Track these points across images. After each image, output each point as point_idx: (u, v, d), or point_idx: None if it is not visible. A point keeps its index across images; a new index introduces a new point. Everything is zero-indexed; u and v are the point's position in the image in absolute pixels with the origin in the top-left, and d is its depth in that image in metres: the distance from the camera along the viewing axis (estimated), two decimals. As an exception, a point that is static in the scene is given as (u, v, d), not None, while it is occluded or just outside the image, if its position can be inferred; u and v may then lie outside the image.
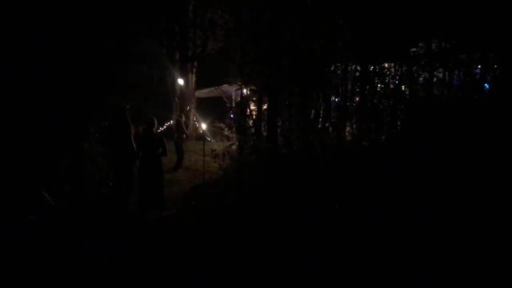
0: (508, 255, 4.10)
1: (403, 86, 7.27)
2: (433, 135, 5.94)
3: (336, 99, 8.10)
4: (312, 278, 4.46)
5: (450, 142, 5.69)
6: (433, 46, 6.76)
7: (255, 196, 6.86)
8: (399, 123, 7.07)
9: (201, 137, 12.20)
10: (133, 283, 4.69)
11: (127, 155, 6.85)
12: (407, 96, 7.10)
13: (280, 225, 5.54)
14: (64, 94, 7.00)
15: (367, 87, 7.34)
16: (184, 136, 11.82)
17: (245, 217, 6.28)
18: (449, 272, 4.13)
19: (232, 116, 11.18)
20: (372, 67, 7.26)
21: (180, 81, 16.83)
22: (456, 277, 4.06)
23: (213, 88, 16.71)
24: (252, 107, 9.32)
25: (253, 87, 8.76)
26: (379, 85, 7.34)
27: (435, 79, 6.81)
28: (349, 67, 7.63)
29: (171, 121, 16.22)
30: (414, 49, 7.00)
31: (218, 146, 9.39)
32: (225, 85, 12.59)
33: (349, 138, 7.66)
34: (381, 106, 7.21)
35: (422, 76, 6.89)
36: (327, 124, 7.85)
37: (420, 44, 6.92)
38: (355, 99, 7.85)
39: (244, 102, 8.79)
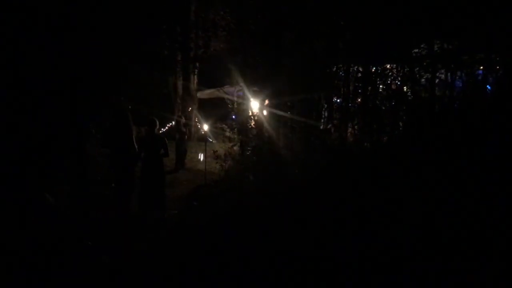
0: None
1: (405, 87, 7.25)
2: (435, 136, 5.93)
3: (338, 100, 8.09)
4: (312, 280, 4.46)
5: (452, 143, 5.68)
6: (435, 47, 6.74)
7: (256, 197, 6.85)
8: (401, 124, 7.05)
9: (203, 138, 12.21)
10: (135, 284, 4.69)
11: (128, 156, 6.86)
12: (409, 97, 7.08)
13: (282, 226, 5.54)
14: (65, 95, 7.02)
15: (369, 88, 7.33)
16: (185, 137, 11.84)
17: (247, 218, 6.27)
18: (444, 273, 4.12)
19: (234, 117, 11.18)
20: (374, 68, 7.24)
21: (182, 82, 16.86)
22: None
23: (215, 89, 16.74)
24: (254, 108, 9.31)
25: (255, 88, 8.76)
26: (381, 86, 7.32)
27: (437, 80, 6.79)
28: (351, 68, 7.62)
29: (173, 122, 16.24)
30: (416, 50, 6.99)
31: (220, 147, 9.40)
32: (226, 86, 12.60)
33: (351, 139, 7.64)
34: (383, 107, 7.20)
35: (424, 77, 6.87)
36: (329, 126, 7.84)
37: (422, 45, 6.91)
38: (357, 100, 7.84)
39: (245, 103, 8.79)
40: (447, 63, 6.47)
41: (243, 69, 8.32)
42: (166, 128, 16.57)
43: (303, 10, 7.44)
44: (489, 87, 6.50)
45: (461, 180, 5.08)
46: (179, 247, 5.77)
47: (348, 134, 7.62)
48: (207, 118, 13.93)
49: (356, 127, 7.55)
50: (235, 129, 8.85)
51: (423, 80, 6.89)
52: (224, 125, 10.10)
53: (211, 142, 13.27)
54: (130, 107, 7.27)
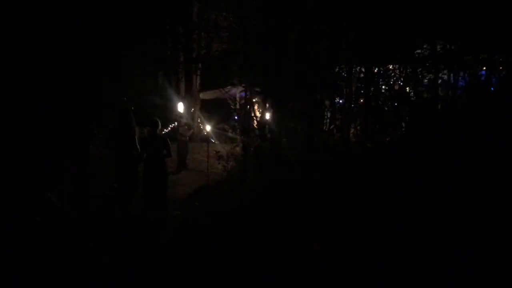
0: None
1: (407, 88, 7.24)
2: (438, 137, 5.91)
3: (341, 101, 8.09)
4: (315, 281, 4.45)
5: (455, 144, 5.66)
6: (438, 47, 6.72)
7: (259, 198, 6.85)
8: (403, 124, 7.04)
9: (205, 138, 12.22)
10: (137, 284, 4.70)
11: (131, 157, 6.87)
12: (412, 98, 7.07)
13: (284, 227, 5.53)
14: (68, 95, 7.04)
15: (372, 88, 7.32)
16: (187, 138, 11.85)
17: (249, 219, 6.27)
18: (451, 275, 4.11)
19: (236, 118, 11.18)
20: (376, 69, 7.23)
21: (185, 83, 16.89)
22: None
23: (217, 90, 16.73)
24: (256, 109, 9.31)
25: (257, 89, 8.76)
26: (383, 87, 7.31)
27: (439, 81, 6.77)
28: (354, 69, 7.61)
29: (175, 122, 16.26)
30: (418, 51, 6.98)
31: (222, 147, 9.40)
32: (229, 87, 12.59)
33: (353, 139, 7.63)
34: (386, 108, 7.19)
35: (426, 78, 6.85)
36: (332, 126, 7.83)
37: (425, 46, 6.90)
38: (360, 100, 7.83)
39: (248, 104, 8.79)
40: (450, 63, 6.45)
41: (245, 69, 8.31)
42: (169, 129, 16.58)
43: (306, 10, 7.44)
44: (492, 89, 6.48)
45: (464, 181, 5.07)
46: (181, 247, 5.77)
47: (351, 134, 7.62)
48: (209, 119, 13.94)
49: (358, 127, 7.54)
50: (238, 129, 8.85)
51: (425, 80, 6.88)
52: (226, 126, 10.11)
53: (214, 142, 13.27)
54: (132, 107, 7.27)
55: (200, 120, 16.67)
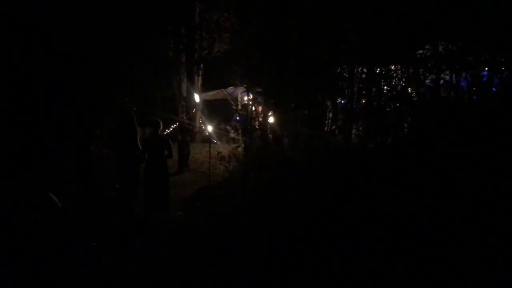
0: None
1: (409, 88, 7.23)
2: (440, 138, 5.91)
3: (342, 101, 8.08)
4: (315, 279, 4.45)
5: (457, 144, 5.66)
6: (440, 48, 6.72)
7: (260, 198, 6.85)
8: (405, 125, 7.03)
9: (207, 139, 12.23)
10: (138, 284, 4.70)
11: (133, 157, 6.88)
12: (414, 98, 7.06)
13: (285, 227, 5.53)
14: (70, 96, 7.05)
15: (373, 89, 7.31)
16: (189, 138, 11.86)
17: (251, 219, 6.27)
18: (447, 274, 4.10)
19: (238, 118, 11.18)
20: (378, 69, 7.23)
21: (186, 83, 16.91)
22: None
23: (219, 91, 16.76)
24: (258, 109, 9.32)
25: (259, 90, 8.76)
26: (385, 87, 7.30)
27: (441, 81, 6.77)
28: (355, 69, 7.61)
29: (177, 123, 16.29)
30: (420, 51, 6.97)
31: (224, 148, 9.40)
32: (231, 88, 12.60)
33: (355, 140, 7.63)
34: (388, 108, 7.18)
35: (428, 78, 6.84)
36: (333, 127, 7.83)
37: (426, 46, 6.89)
38: (361, 101, 7.83)
39: (249, 104, 8.80)
40: (452, 64, 6.44)
41: (247, 70, 8.32)
42: (171, 129, 16.61)
43: (307, 10, 7.44)
44: (494, 90, 6.47)
45: (465, 182, 5.06)
46: (183, 248, 5.77)
47: (352, 135, 7.61)
48: (211, 119, 13.95)
49: (360, 128, 7.54)
50: (239, 130, 8.86)
51: (427, 81, 6.87)
52: (228, 126, 10.12)
53: (215, 143, 13.29)
54: (134, 108, 7.28)
55: (201, 120, 16.68)
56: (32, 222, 5.46)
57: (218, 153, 8.80)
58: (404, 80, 7.17)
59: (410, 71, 7.04)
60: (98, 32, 7.34)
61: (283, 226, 5.60)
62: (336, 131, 7.79)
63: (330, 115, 8.00)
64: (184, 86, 17.55)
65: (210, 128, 12.70)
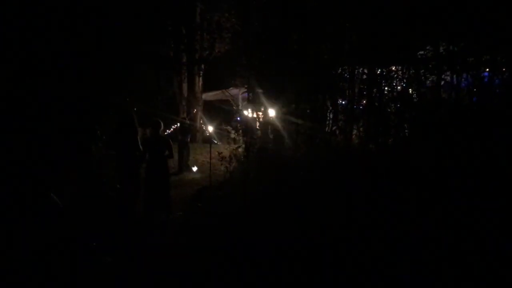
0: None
1: (410, 89, 7.22)
2: (441, 139, 5.90)
3: (343, 102, 8.08)
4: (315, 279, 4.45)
5: (458, 145, 5.65)
6: (441, 49, 6.71)
7: (261, 198, 6.85)
8: (406, 126, 7.02)
9: (207, 139, 12.23)
10: (139, 285, 4.70)
11: (133, 157, 6.88)
12: (415, 99, 7.05)
13: (286, 227, 5.53)
14: (71, 97, 7.06)
15: (374, 90, 7.31)
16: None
17: (251, 219, 6.27)
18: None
19: (238, 119, 11.19)
20: (379, 70, 7.22)
21: (187, 84, 16.91)
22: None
23: (220, 91, 16.76)
24: (259, 110, 9.31)
25: (260, 90, 8.76)
26: (386, 88, 7.30)
27: (442, 82, 6.76)
28: (356, 70, 7.60)
29: (178, 123, 16.30)
30: (421, 52, 6.96)
31: (224, 148, 9.40)
32: (231, 88, 12.61)
33: (356, 141, 7.62)
34: (388, 109, 7.17)
35: (429, 79, 6.84)
36: (334, 127, 7.82)
37: (427, 47, 6.88)
38: (362, 102, 7.82)
39: (250, 105, 8.80)
40: (453, 65, 6.43)
41: (248, 70, 8.32)
42: (171, 129, 16.60)
43: (309, 11, 7.44)
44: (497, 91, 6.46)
45: (467, 183, 5.06)
46: (183, 248, 5.77)
47: (353, 136, 7.60)
48: (212, 120, 13.94)
49: (361, 129, 7.53)
50: (240, 130, 8.86)
51: (428, 82, 6.86)
52: (229, 127, 10.12)
53: (216, 143, 13.28)
54: (135, 108, 7.28)
55: (202, 121, 16.68)
56: (33, 222, 5.45)
57: (219, 153, 8.80)
58: (405, 81, 7.16)
59: (411, 72, 7.04)
60: (99, 33, 7.35)
61: (283, 226, 5.60)
62: (337, 132, 7.78)
63: (331, 115, 7.99)
64: (184, 86, 17.55)
65: (210, 128, 12.69)
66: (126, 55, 9.67)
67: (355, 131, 7.64)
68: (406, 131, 6.99)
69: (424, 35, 6.66)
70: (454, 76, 6.47)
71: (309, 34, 7.51)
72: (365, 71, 7.46)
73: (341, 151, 7.24)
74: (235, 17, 10.76)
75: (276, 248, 5.10)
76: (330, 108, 7.97)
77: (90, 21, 7.05)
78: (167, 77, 18.16)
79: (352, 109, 7.59)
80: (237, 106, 10.59)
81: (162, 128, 7.27)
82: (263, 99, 8.75)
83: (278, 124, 8.13)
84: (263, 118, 8.91)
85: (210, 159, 9.74)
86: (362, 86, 7.57)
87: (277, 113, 8.14)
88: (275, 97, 8.10)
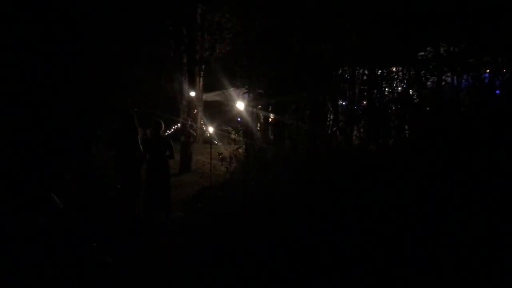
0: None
1: (411, 90, 7.22)
2: (441, 140, 5.90)
3: (344, 103, 8.07)
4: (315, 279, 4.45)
5: (458, 147, 5.65)
6: (442, 50, 6.71)
7: (261, 199, 6.85)
8: (406, 127, 7.02)
9: (208, 140, 12.24)
10: (139, 285, 4.70)
11: (134, 158, 6.88)
12: (415, 100, 7.05)
13: (287, 228, 5.53)
14: (72, 97, 7.06)
15: (375, 91, 7.30)
16: (191, 139, 11.86)
17: (252, 220, 6.27)
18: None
19: (239, 119, 11.20)
20: (379, 71, 7.22)
21: (188, 84, 16.88)
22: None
23: (220, 92, 16.76)
24: (259, 111, 9.31)
25: (260, 91, 8.76)
26: (386, 89, 7.30)
27: (443, 83, 6.76)
28: (357, 71, 7.60)
29: (178, 124, 16.28)
30: (422, 53, 6.96)
31: (225, 149, 9.41)
32: (232, 89, 12.60)
33: (356, 142, 7.62)
34: (389, 110, 7.17)
35: (430, 80, 6.84)
36: (334, 128, 7.82)
37: (428, 48, 6.88)
38: (363, 103, 7.82)
39: (251, 105, 8.79)
40: (453, 66, 6.43)
41: (249, 71, 8.32)
42: (172, 130, 16.61)
43: (309, 12, 7.43)
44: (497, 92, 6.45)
45: (468, 184, 5.05)
46: (183, 248, 5.78)
47: (354, 137, 7.60)
48: (212, 121, 13.96)
49: (361, 130, 7.53)
50: (240, 131, 8.86)
51: (429, 83, 6.86)
52: (229, 128, 10.12)
53: (217, 144, 13.29)
54: (136, 109, 7.29)
55: (203, 121, 16.68)
56: (33, 222, 5.46)
57: (219, 154, 8.80)
58: (405, 82, 7.16)
59: (412, 73, 7.03)
60: (99, 32, 7.35)
61: (283, 227, 5.60)
62: (337, 133, 7.78)
63: (331, 116, 7.99)
64: (185, 87, 17.54)
65: (211, 129, 12.70)
66: (127, 55, 9.67)
67: (355, 132, 7.64)
68: (406, 132, 6.99)
69: (425, 36, 6.66)
70: (455, 77, 6.47)
71: (310, 34, 7.51)
72: (366, 72, 7.46)
73: (341, 152, 7.24)
74: (235, 18, 10.77)
75: (276, 248, 5.11)
76: (331, 109, 7.97)
77: (90, 21, 7.05)
78: (167, 77, 18.14)
79: (353, 110, 7.58)
80: (237, 106, 10.58)
81: (163, 128, 7.27)
82: (264, 100, 8.76)
83: (279, 124, 8.14)
84: (263, 118, 8.92)
85: (211, 159, 9.75)
86: (362, 87, 7.57)
87: (277, 114, 8.14)
88: (275, 98, 8.11)
